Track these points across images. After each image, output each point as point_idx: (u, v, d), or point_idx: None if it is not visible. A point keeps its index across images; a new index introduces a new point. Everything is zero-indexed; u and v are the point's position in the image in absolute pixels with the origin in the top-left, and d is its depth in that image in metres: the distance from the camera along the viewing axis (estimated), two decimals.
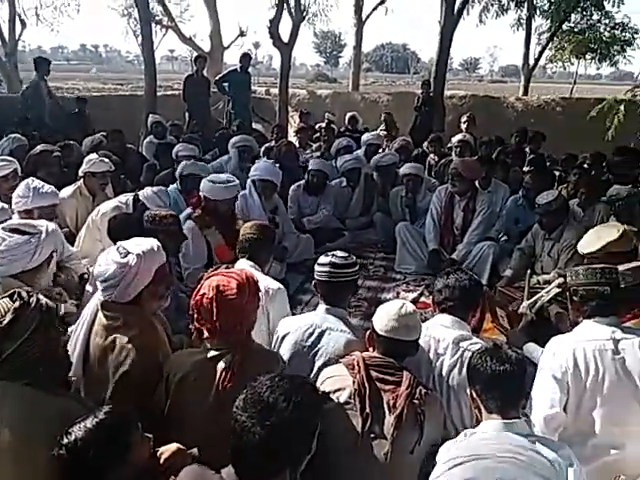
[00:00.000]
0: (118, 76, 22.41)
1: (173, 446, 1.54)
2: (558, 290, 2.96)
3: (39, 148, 4.73)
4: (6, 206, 3.31)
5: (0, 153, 4.68)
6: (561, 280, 2.79)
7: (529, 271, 3.47)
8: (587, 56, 13.81)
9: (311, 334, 2.13)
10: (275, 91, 10.56)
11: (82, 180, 4.07)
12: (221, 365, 1.75)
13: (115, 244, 2.06)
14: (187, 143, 5.56)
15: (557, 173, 5.81)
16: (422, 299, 3.89)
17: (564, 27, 13.20)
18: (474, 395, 1.70)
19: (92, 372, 1.94)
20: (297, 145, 6.73)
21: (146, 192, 3.64)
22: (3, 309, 1.48)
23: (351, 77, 16.97)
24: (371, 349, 1.91)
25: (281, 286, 2.59)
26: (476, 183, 4.52)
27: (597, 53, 13.51)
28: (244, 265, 2.65)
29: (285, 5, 9.02)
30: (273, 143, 6.43)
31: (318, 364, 2.06)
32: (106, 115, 7.89)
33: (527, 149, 6.57)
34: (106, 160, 4.16)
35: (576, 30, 13.38)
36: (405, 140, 6.36)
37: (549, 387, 1.92)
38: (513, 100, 11.22)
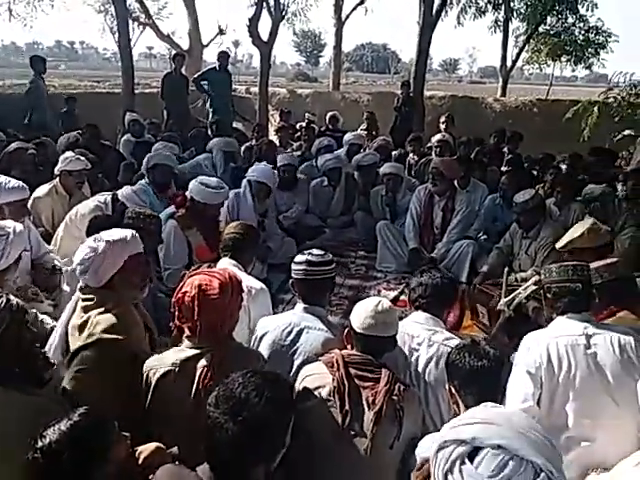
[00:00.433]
0: (95, 73, 22.04)
1: (152, 445, 1.53)
2: (535, 287, 3.04)
3: (13, 146, 4.64)
4: None
5: None
6: (538, 278, 2.85)
7: (506, 269, 3.54)
8: (562, 58, 14.13)
9: (289, 333, 2.13)
10: (255, 90, 10.53)
11: (58, 179, 4.00)
12: (201, 363, 1.74)
13: None
14: (167, 141, 5.51)
15: (535, 173, 5.93)
16: (402, 297, 3.91)
17: (540, 30, 13.47)
18: (453, 390, 1.72)
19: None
20: (278, 144, 6.72)
21: (125, 191, 3.61)
22: None
23: (331, 76, 17.02)
24: (349, 347, 1.92)
25: (263, 286, 2.59)
26: (455, 183, 4.57)
27: (572, 55, 13.83)
28: (226, 264, 2.64)
29: (264, 4, 8.99)
30: (254, 142, 6.41)
31: (297, 363, 2.06)
32: (83, 113, 7.74)
33: (505, 149, 6.68)
34: (82, 158, 4.09)
35: (552, 33, 13.67)
36: (384, 140, 6.40)
37: (523, 382, 1.96)
38: (491, 101, 11.40)
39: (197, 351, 1.77)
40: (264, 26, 9.17)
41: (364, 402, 1.73)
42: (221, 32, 16.49)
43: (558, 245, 3.22)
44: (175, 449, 1.60)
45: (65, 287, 2.90)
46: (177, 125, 7.25)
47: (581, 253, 3.06)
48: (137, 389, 1.79)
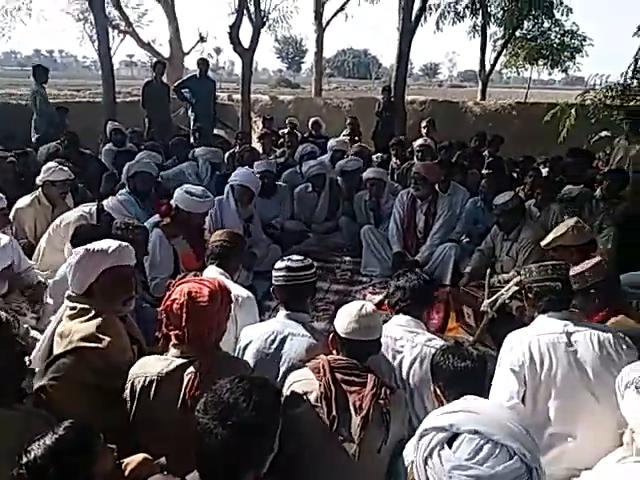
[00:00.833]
0: (75, 82, 21.80)
1: (139, 456, 1.53)
2: (516, 288, 3.10)
3: None
4: None
5: None
6: (519, 278, 2.91)
7: (489, 271, 3.60)
8: (540, 62, 14.39)
9: (273, 341, 2.13)
10: (237, 97, 10.53)
11: (40, 189, 3.97)
12: (188, 372, 1.74)
13: None
14: (149, 150, 5.49)
15: (515, 175, 6.03)
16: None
17: (517, 34, 13.70)
18: (438, 391, 1.76)
19: None
20: (261, 151, 6.73)
21: (111, 202, 3.58)
22: None
23: (313, 82, 17.07)
24: (334, 352, 1.93)
25: (250, 294, 2.60)
26: (436, 186, 4.63)
27: (549, 59, 14.11)
28: (213, 272, 2.64)
29: (245, 11, 9.01)
30: (237, 149, 6.41)
31: (282, 369, 2.07)
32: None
33: (486, 152, 6.78)
34: (65, 168, 4.07)
35: (528, 37, 13.92)
36: (360, 146, 6.43)
37: (507, 380, 1.99)
38: (471, 105, 11.54)
39: (184, 360, 1.77)
40: (245, 33, 9.20)
41: (351, 407, 1.74)
42: (202, 39, 16.48)
43: (543, 243, 3.28)
44: (163, 459, 1.60)
45: (49, 300, 2.87)
46: (159, 133, 7.22)
47: (565, 251, 3.13)
48: (119, 399, 1.78)
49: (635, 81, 6.24)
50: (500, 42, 14.11)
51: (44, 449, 1.28)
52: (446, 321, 3.77)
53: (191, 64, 17.31)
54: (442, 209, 4.51)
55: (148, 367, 1.79)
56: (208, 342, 1.81)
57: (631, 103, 6.16)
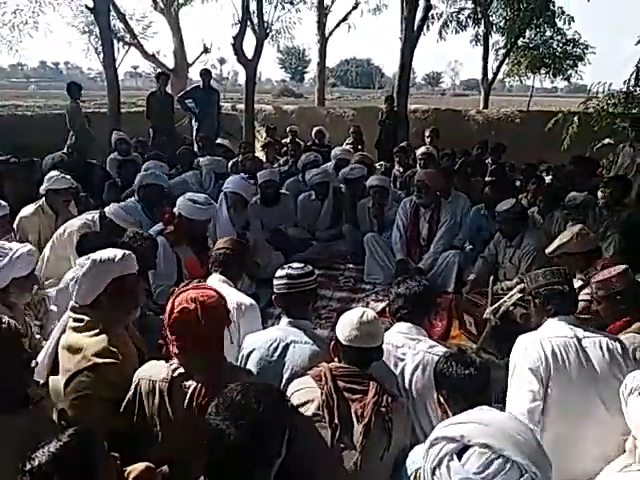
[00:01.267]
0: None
1: (142, 465, 1.53)
2: (520, 295, 3.09)
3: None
4: None
5: None
6: (522, 285, 2.90)
7: (492, 278, 3.59)
8: (542, 70, 14.41)
9: (276, 349, 2.13)
10: (241, 107, 10.60)
11: (44, 198, 3.99)
12: (193, 381, 1.73)
13: None
14: (155, 160, 5.53)
15: (517, 183, 6.03)
16: None
17: (519, 43, 13.76)
18: (441, 400, 1.74)
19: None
20: (265, 160, 6.76)
21: (112, 207, 3.61)
22: None
23: (316, 92, 17.17)
24: (336, 359, 1.92)
25: (253, 302, 2.60)
26: (438, 194, 4.64)
27: (551, 68, 14.12)
28: (216, 280, 2.65)
29: (248, 22, 9.11)
30: (240, 158, 6.45)
31: (286, 376, 2.06)
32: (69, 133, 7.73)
33: (489, 160, 6.79)
34: (68, 177, 4.10)
35: (531, 46, 13.97)
36: (363, 154, 6.43)
37: (527, 380, 1.97)
38: (474, 113, 11.57)
39: (189, 369, 1.77)
40: (249, 44, 9.30)
41: (353, 415, 1.73)
42: (206, 50, 16.63)
43: (547, 250, 3.28)
44: (165, 468, 1.60)
45: (52, 307, 2.88)
46: (163, 143, 7.27)
47: (570, 258, 3.13)
48: (129, 410, 1.78)
49: (638, 89, 6.25)
50: (502, 51, 14.18)
51: (48, 456, 1.28)
52: (449, 328, 3.75)
53: (195, 75, 17.37)
54: (445, 216, 4.51)
55: (154, 371, 1.79)
56: (215, 350, 1.81)
57: (634, 111, 6.16)
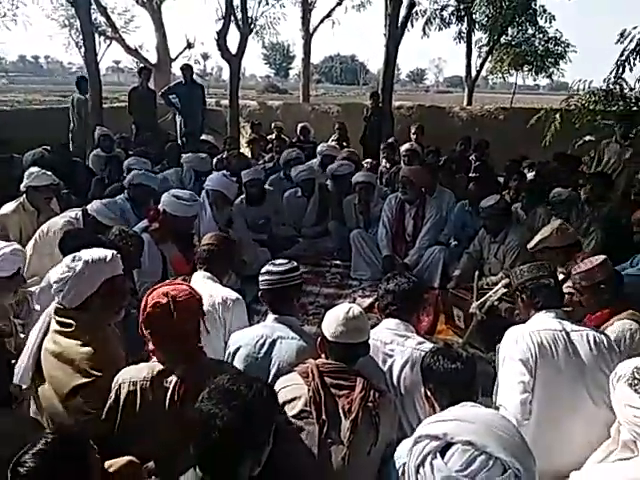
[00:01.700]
0: (61, 88, 21.61)
1: (123, 459, 1.52)
2: (505, 290, 3.13)
3: None
4: None
5: None
6: (507, 280, 2.94)
7: (477, 273, 3.63)
8: (524, 68, 14.59)
9: (262, 345, 2.13)
10: (225, 102, 10.51)
11: (24, 195, 3.92)
12: (174, 376, 1.73)
13: None
14: (139, 156, 5.46)
15: (500, 179, 6.09)
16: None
17: (502, 40, 13.89)
18: (428, 394, 1.76)
19: (43, 380, 1.91)
20: (250, 156, 6.73)
21: (95, 205, 3.56)
22: None
23: (301, 88, 17.13)
24: (323, 355, 1.93)
25: (239, 296, 2.59)
26: (423, 190, 4.66)
27: (533, 65, 14.32)
28: (201, 277, 2.64)
29: (232, 17, 9.03)
30: (225, 155, 6.40)
31: (273, 372, 2.06)
32: (50, 128, 7.61)
33: (472, 156, 6.84)
34: (48, 173, 4.02)
35: (513, 43, 14.13)
36: (350, 151, 6.45)
37: (518, 372, 1.98)
38: (458, 110, 11.63)
39: (168, 365, 1.76)
40: (233, 39, 9.21)
41: (340, 411, 1.74)
42: (189, 46, 16.47)
43: (529, 246, 3.33)
44: (151, 464, 1.59)
45: (36, 306, 2.84)
46: (147, 139, 7.19)
47: (551, 252, 3.18)
48: (111, 416, 1.77)
49: (617, 87, 6.34)
50: (485, 48, 14.31)
51: (36, 458, 1.26)
52: (435, 323, 3.79)
53: (178, 70, 17.25)
54: (430, 212, 4.54)
55: (133, 372, 1.78)
56: (191, 344, 1.81)
57: (614, 108, 6.25)
